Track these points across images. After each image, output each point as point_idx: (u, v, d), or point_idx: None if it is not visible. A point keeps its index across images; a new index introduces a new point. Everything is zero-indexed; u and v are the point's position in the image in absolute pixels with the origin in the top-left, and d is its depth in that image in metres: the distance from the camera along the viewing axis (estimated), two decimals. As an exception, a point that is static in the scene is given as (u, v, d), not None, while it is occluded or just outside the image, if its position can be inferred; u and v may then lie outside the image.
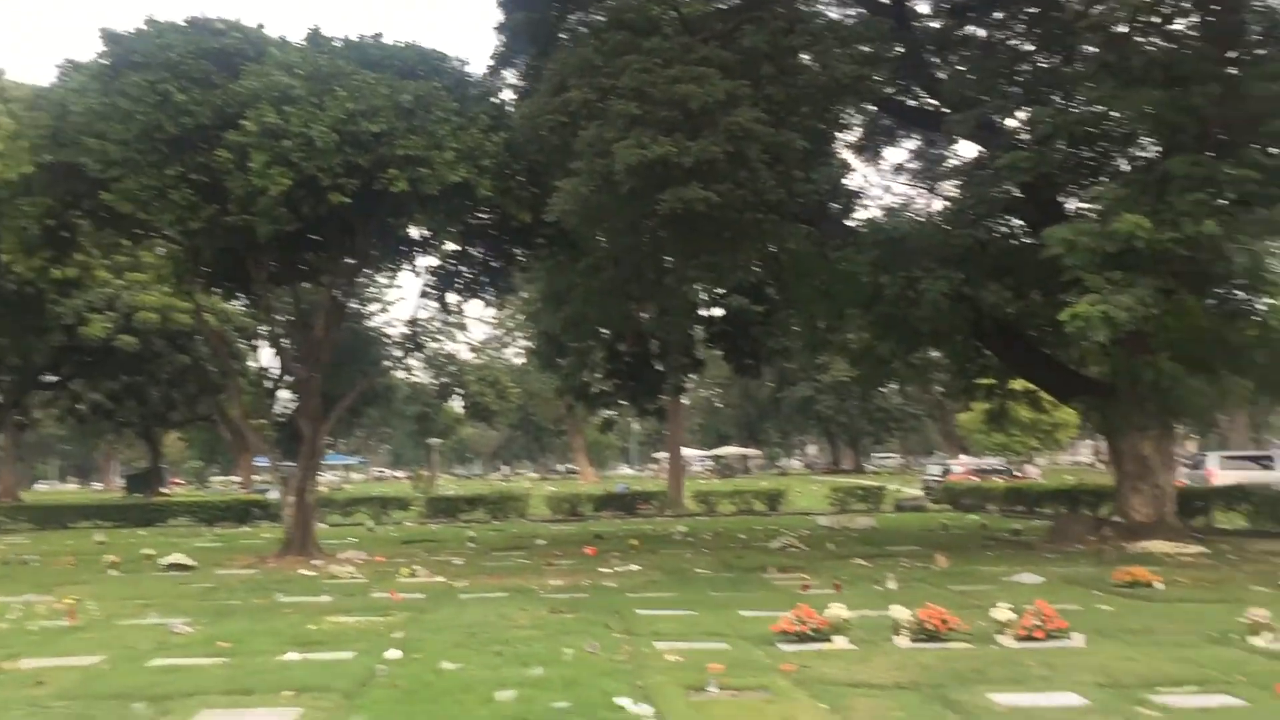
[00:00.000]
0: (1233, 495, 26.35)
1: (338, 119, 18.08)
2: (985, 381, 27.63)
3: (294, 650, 10.38)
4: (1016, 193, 20.88)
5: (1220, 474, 32.89)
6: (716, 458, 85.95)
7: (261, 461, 29.15)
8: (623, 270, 22.60)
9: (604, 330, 28.93)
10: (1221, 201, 17.28)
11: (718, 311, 30.87)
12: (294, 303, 24.64)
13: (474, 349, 77.05)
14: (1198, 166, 17.41)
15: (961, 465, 50.74)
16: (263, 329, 24.68)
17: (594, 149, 17.62)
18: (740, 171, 17.79)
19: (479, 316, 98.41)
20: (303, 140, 17.96)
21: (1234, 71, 18.41)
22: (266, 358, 42.56)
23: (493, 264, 23.96)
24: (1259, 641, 10.24)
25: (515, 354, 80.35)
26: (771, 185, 18.31)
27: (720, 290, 29.29)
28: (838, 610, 10.51)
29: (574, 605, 13.64)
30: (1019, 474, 49.21)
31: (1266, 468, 34.14)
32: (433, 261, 24.18)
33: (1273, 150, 18.00)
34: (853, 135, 25.13)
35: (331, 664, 9.70)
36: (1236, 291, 20.74)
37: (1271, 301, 21.53)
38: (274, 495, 31.30)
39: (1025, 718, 7.38)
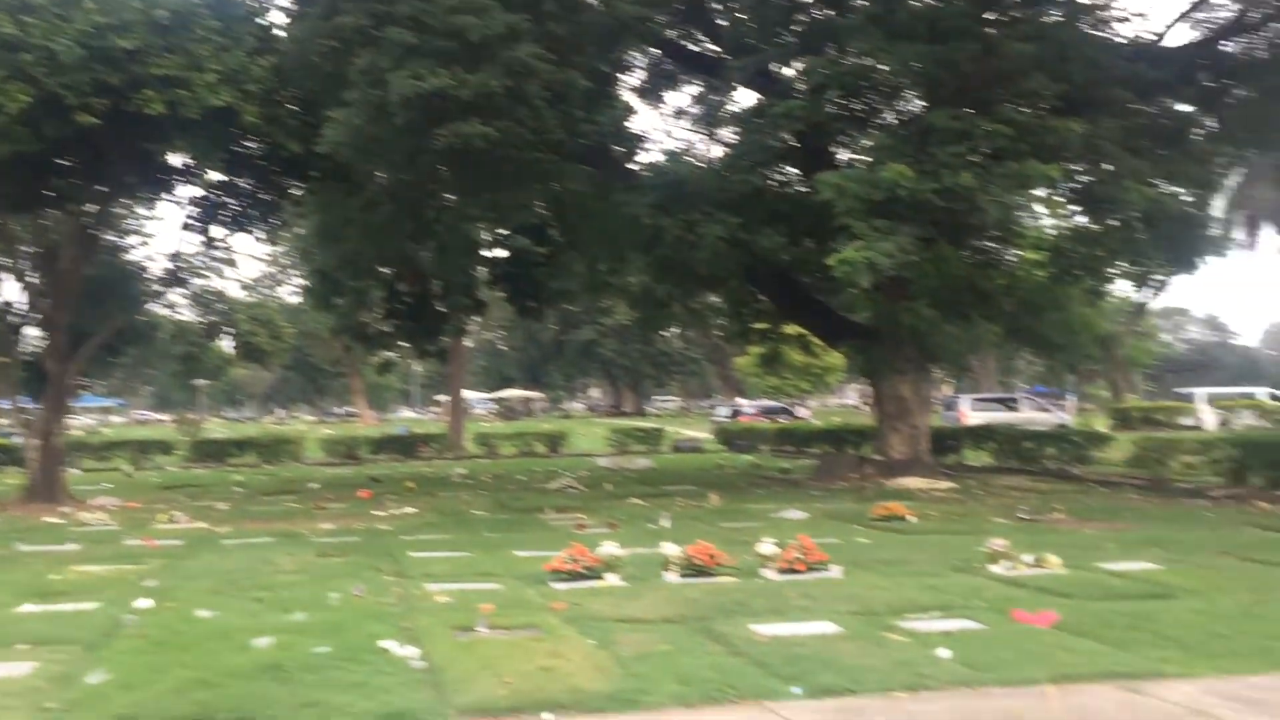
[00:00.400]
0: (981, 434, 28.19)
1: (84, 32, 16.70)
2: (760, 326, 28.50)
3: (33, 602, 9.68)
4: (792, 141, 21.43)
5: (971, 415, 35.15)
6: (499, 400, 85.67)
7: (4, 403, 27.07)
8: (401, 207, 21.98)
9: (382, 269, 28.09)
10: (976, 156, 18.20)
11: (500, 252, 30.48)
12: (39, 233, 22.79)
13: (245, 286, 73.65)
14: (956, 120, 18.28)
15: (752, 407, 52.49)
16: (4, 260, 22.71)
17: (368, 78, 16.96)
18: (521, 108, 17.51)
19: (251, 252, 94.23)
20: (44, 54, 16.52)
21: (992, 31, 19.35)
22: (10, 291, 39.40)
23: (262, 196, 22.78)
24: (997, 569, 10.96)
25: (290, 292, 77.42)
26: (553, 124, 18.12)
27: (503, 230, 28.92)
28: (610, 548, 10.61)
29: (344, 549, 13.29)
30: (800, 416, 51.27)
31: (1012, 409, 36.73)
32: (196, 192, 22.82)
33: (1024, 109, 19.07)
34: (636, 78, 25.18)
35: (74, 615, 9.09)
36: (989, 243, 22.03)
37: (1020, 253, 22.99)
38: (18, 439, 29.15)
39: (783, 646, 7.63)
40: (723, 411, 52.91)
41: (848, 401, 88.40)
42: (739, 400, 59.32)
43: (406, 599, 9.66)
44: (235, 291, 69.11)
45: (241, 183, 22.50)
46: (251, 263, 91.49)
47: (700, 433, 45.58)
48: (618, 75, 22.53)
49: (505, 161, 18.36)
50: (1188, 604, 9.17)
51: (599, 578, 10.22)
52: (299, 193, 23.07)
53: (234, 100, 17.65)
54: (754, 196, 20.88)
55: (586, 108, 19.73)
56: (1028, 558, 11.20)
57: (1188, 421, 40.43)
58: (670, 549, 10.66)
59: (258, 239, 28.11)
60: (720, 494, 19.27)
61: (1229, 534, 13.96)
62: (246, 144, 20.38)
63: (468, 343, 53.88)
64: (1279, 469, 18.82)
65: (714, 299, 28.75)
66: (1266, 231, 33.95)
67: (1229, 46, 21.37)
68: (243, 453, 35.22)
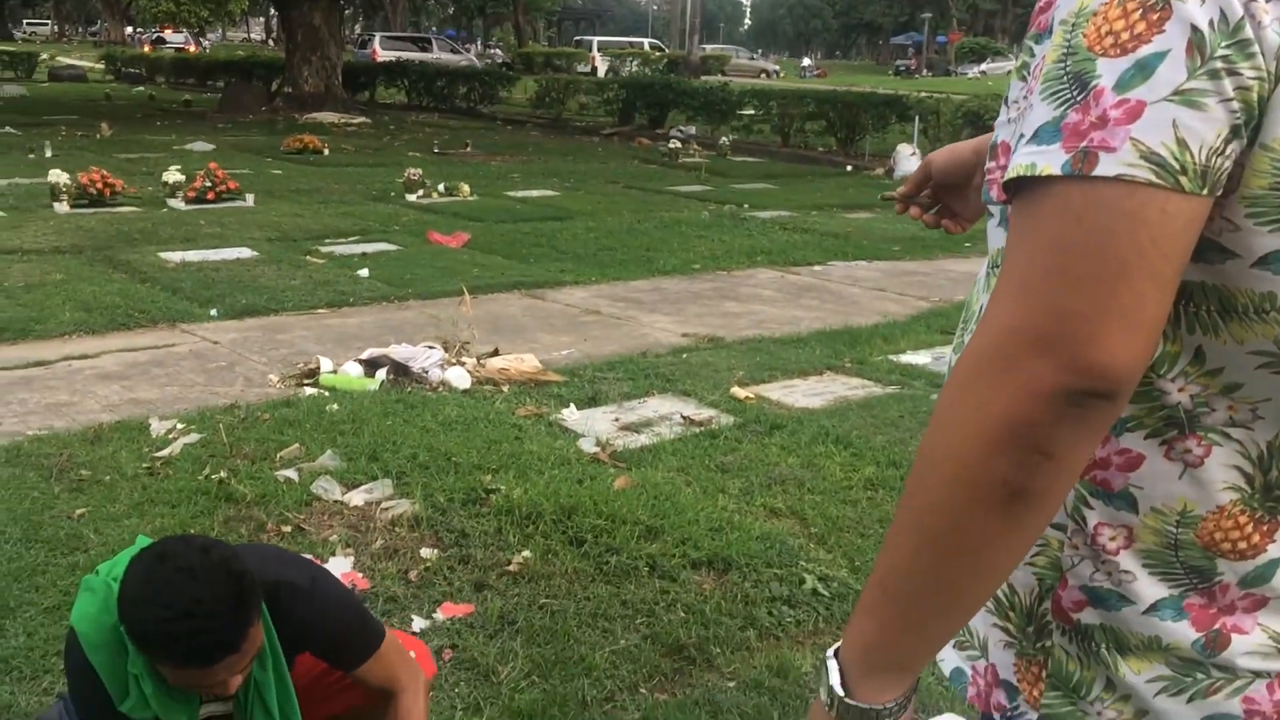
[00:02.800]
0: (395, 72, 27.90)
1: None
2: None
3: None
4: None
5: (383, 53, 34.50)
6: None
7: None
8: None
9: None
10: None
11: None
12: None
13: None
14: None
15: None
16: None
17: None
18: None
19: None
20: None
21: None
22: None
23: None
24: (412, 197, 11.23)
25: None
26: None
27: None
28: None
29: None
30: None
31: (425, 49, 36.55)
32: None
33: None
34: None
35: None
36: None
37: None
38: None
39: (196, 271, 7.32)
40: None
41: (255, 36, 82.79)
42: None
43: None
44: None
45: None
46: None
47: (85, 60, 40.50)
48: None
49: None
50: (582, 224, 10.09)
51: (-29, 210, 9.00)
52: None
53: None
54: None
55: None
56: (441, 187, 11.59)
57: (584, 67, 42.99)
58: (59, 176, 9.58)
59: None
60: (113, 125, 17.47)
61: (617, 166, 15.41)
62: None
63: None
64: (658, 109, 20.81)
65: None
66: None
67: None
68: None
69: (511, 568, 3.26)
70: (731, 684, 2.79)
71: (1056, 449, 0.76)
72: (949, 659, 1.03)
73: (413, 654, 2.18)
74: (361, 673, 2.00)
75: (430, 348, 5.33)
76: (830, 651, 0.93)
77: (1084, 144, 0.75)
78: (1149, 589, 0.87)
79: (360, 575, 3.19)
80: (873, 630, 0.87)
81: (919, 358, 5.78)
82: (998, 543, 0.79)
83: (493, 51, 38.64)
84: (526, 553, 3.32)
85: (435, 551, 3.35)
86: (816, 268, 8.55)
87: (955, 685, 1.01)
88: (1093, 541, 0.89)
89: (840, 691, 0.89)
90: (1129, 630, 0.88)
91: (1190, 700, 0.88)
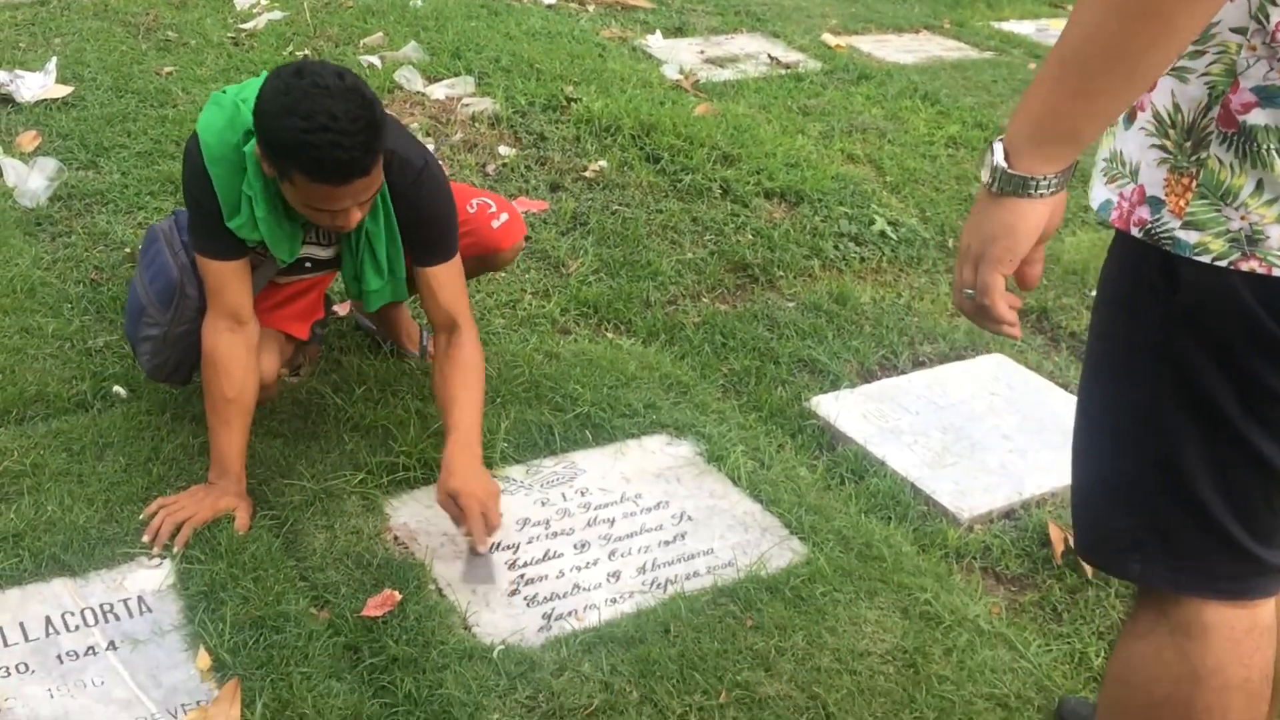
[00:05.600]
0: None
1: None
2: None
3: None
4: None
5: None
6: None
7: None
8: None
9: None
10: None
11: None
12: None
13: None
14: None
15: None
16: None
17: None
18: None
19: None
20: None
21: None
22: None
23: None
24: None
25: None
26: None
27: None
28: None
29: None
30: None
31: None
32: None
33: None
34: None
35: None
36: None
37: None
38: None
39: None
40: None
41: None
42: None
43: None
44: None
45: None
46: None
47: None
48: None
49: None
50: None
51: None
52: None
53: None
54: None
55: None
56: None
57: None
58: None
59: None
60: None
61: None
62: None
63: None
64: None
65: None
66: None
67: None
68: None
69: (587, 174, 3.30)
70: (791, 304, 2.87)
71: None
72: (1099, 193, 1.07)
73: (505, 216, 2.25)
74: (430, 273, 1.98)
75: (517, -43, 5.13)
76: (995, 140, 0.98)
77: None
78: None
79: (440, 163, 3.24)
80: (1045, 102, 0.92)
81: (1022, 27, 5.52)
82: (1188, 4, 0.82)
83: None
84: (603, 162, 3.35)
85: (513, 150, 3.38)
86: (926, -73, 8.02)
87: (1101, 215, 1.06)
88: (1273, 39, 0.90)
89: (1004, 164, 0.94)
90: None
91: None
